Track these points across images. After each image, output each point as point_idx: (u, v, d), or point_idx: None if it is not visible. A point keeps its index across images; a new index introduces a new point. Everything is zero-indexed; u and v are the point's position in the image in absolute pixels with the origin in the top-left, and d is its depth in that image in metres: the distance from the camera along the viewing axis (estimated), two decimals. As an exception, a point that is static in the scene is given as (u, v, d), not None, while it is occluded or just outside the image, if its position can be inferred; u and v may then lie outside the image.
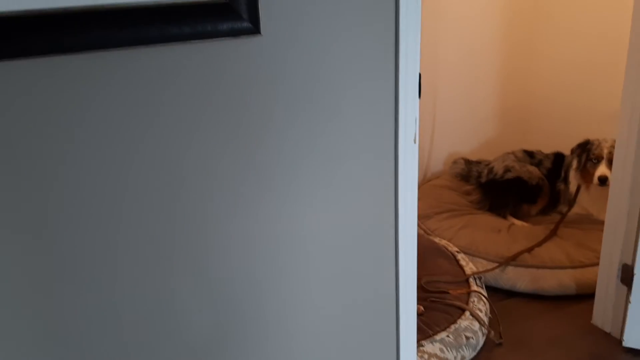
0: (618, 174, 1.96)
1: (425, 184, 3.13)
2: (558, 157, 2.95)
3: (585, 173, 2.70)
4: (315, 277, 1.25)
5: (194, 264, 1.09)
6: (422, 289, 2.17)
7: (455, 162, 3.19)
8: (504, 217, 2.81)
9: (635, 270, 1.91)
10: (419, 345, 1.85)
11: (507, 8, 3.11)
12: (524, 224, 2.76)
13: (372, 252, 1.32)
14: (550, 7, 3.06)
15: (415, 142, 1.32)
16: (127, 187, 0.98)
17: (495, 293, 2.36)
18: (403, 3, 1.14)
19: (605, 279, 2.08)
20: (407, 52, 1.18)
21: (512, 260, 2.41)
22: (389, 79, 1.21)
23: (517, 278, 2.37)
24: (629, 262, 1.96)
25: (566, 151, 2.87)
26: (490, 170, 2.99)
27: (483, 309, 2.12)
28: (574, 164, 2.78)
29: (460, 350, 1.91)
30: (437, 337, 1.91)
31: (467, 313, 2.05)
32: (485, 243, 2.53)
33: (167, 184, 1.02)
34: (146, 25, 0.93)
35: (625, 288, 1.99)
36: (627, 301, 1.97)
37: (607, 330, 2.11)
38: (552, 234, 2.60)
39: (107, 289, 1.02)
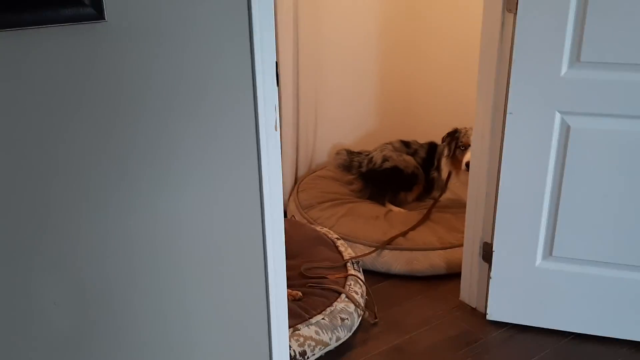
0: (476, 159, 2.11)
1: (309, 175, 3.19)
2: (432, 147, 3.11)
3: (455, 160, 2.87)
4: (184, 275, 1.26)
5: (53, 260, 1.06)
6: (301, 275, 2.23)
7: (338, 153, 3.28)
8: (383, 205, 2.93)
9: (495, 248, 2.06)
10: (295, 329, 1.90)
11: (386, 4, 3.23)
12: (401, 210, 2.89)
13: (240, 244, 1.34)
14: (425, 6, 3.22)
15: (276, 130, 1.35)
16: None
17: (373, 276, 2.46)
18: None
19: (469, 257, 2.23)
20: (262, 42, 1.21)
21: (387, 244, 2.52)
22: (246, 69, 1.24)
23: (392, 261, 2.48)
24: (489, 240, 2.12)
25: (439, 141, 3.04)
26: (370, 160, 3.10)
27: (359, 291, 2.20)
28: (445, 152, 2.94)
29: (335, 331, 1.98)
30: (313, 320, 1.96)
31: (343, 296, 2.12)
32: (364, 229, 2.63)
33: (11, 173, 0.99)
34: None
35: (486, 265, 2.15)
36: (489, 277, 2.12)
37: (474, 305, 2.26)
38: (425, 218, 2.74)
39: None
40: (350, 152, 3.24)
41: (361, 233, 2.61)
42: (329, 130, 3.30)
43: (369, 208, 2.85)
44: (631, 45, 1.71)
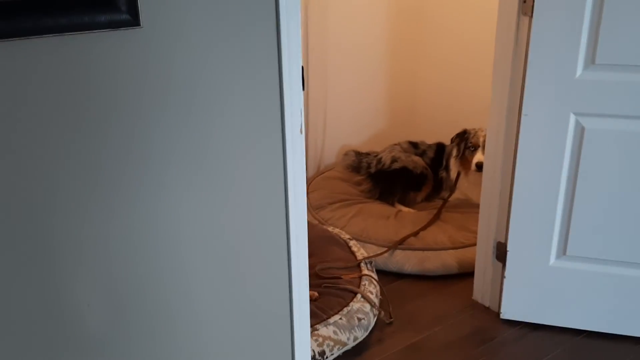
0: (490, 160, 2.13)
1: (318, 176, 3.21)
2: (440, 147, 3.13)
3: (464, 160, 2.89)
4: (207, 277, 1.27)
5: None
6: (316, 275, 2.24)
7: (346, 154, 3.30)
8: (392, 205, 2.95)
9: (508, 247, 2.09)
10: (314, 329, 1.92)
11: (393, 6, 3.25)
12: (411, 210, 2.92)
13: (266, 245, 1.36)
14: (433, 6, 3.24)
15: (301, 133, 1.37)
16: None
17: (385, 276, 2.48)
18: (283, 2, 1.18)
19: (483, 257, 2.25)
20: (289, 47, 1.23)
21: (399, 244, 2.54)
22: (273, 73, 1.25)
23: (404, 261, 2.50)
24: (503, 240, 2.14)
25: (448, 141, 3.06)
26: (379, 161, 3.12)
27: (374, 291, 2.22)
28: (454, 152, 2.97)
29: (353, 331, 2.00)
30: (331, 320, 1.98)
31: (359, 296, 2.14)
32: (375, 229, 2.65)
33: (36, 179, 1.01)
34: (18, 16, 0.92)
35: (500, 264, 2.17)
36: (502, 276, 2.14)
37: (487, 304, 2.29)
38: (436, 218, 2.76)
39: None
40: (358, 153, 3.27)
41: (372, 233, 2.63)
42: (338, 131, 3.33)
43: (378, 208, 2.87)
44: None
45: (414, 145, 3.19)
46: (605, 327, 2.10)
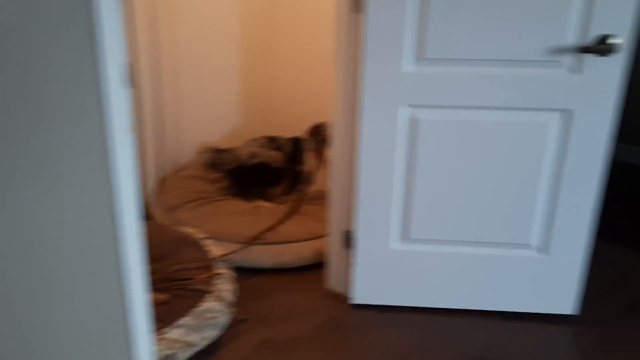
0: (336, 152, 2.19)
1: (174, 175, 3.14)
2: (297, 141, 3.17)
3: (319, 153, 2.95)
4: (33, 285, 1.20)
5: None
6: (167, 279, 2.19)
7: (203, 151, 3.25)
8: (251, 201, 2.95)
9: (355, 235, 2.16)
10: (161, 333, 1.87)
11: (244, 6, 3.24)
12: (270, 205, 2.93)
13: (91, 250, 1.31)
14: (279, 7, 3.28)
15: (130, 132, 1.33)
16: None
17: (243, 272, 2.47)
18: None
19: (334, 245, 2.31)
20: (106, 47, 1.18)
21: (255, 239, 2.55)
22: (89, 72, 1.20)
23: (260, 256, 2.51)
24: (349, 228, 2.21)
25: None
26: (237, 157, 3.10)
27: (227, 289, 2.21)
28: (310, 145, 3.02)
29: (203, 331, 1.98)
30: (180, 322, 1.95)
31: (210, 295, 2.12)
32: (232, 226, 2.64)
33: None
34: None
35: (347, 251, 2.24)
36: (351, 263, 2.22)
37: (340, 291, 2.35)
38: (293, 211, 2.80)
39: None
40: (216, 150, 3.22)
41: (229, 230, 2.61)
42: (194, 128, 3.27)
43: (236, 205, 2.86)
44: (467, 42, 1.86)
45: (272, 140, 3.20)
46: (448, 303, 2.24)
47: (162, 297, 2.08)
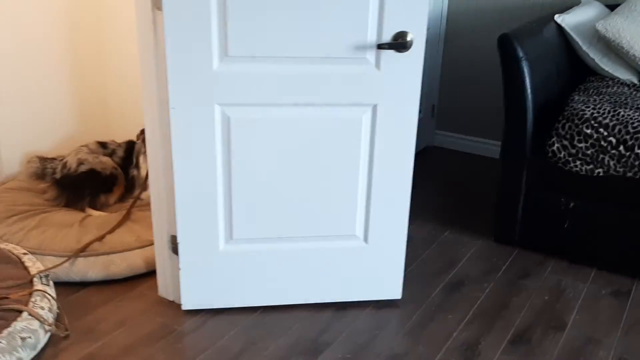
0: (152, 155, 2.13)
1: (-3, 188, 2.92)
2: (130, 145, 3.06)
3: (152, 157, 2.86)
4: None
5: None
6: (-25, 300, 2.02)
7: (29, 161, 3.04)
8: (83, 211, 2.81)
9: (179, 239, 2.11)
10: (-39, 361, 1.73)
11: (68, 14, 3.06)
12: (102, 213, 2.80)
13: None
14: (96, 16, 3.15)
15: None
16: None
17: (69, 287, 2.35)
18: None
19: (161, 252, 2.25)
20: None
21: (81, 252, 2.42)
22: None
23: (87, 268, 2.39)
24: (175, 233, 2.16)
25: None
26: (64, 166, 2.93)
27: (47, 306, 2.08)
28: (142, 149, 2.92)
29: (15, 352, 1.85)
30: (-15, 346, 1.81)
31: (25, 314, 1.98)
32: (56, 240, 2.48)
33: None
34: None
35: (176, 257, 2.19)
36: (178, 268, 2.17)
37: (171, 298, 2.30)
38: (125, 219, 2.69)
39: None
40: (43, 159, 3.03)
41: (53, 244, 2.46)
42: (19, 138, 3.05)
43: (64, 216, 2.70)
44: (272, 39, 1.87)
45: (103, 145, 3.07)
46: (280, 300, 2.26)
47: (-31, 321, 1.91)
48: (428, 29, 3.60)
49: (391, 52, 1.93)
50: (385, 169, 2.09)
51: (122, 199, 2.96)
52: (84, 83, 3.25)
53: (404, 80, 1.97)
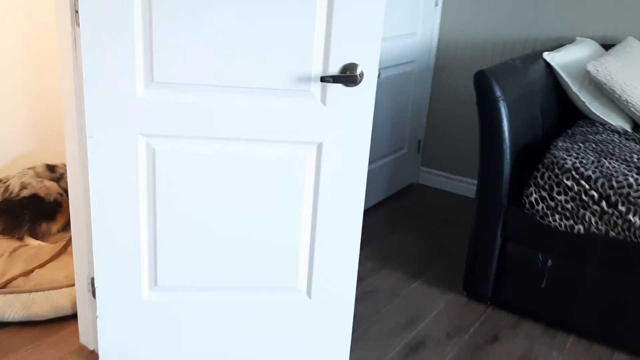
0: (72, 187, 1.91)
1: None
2: (81, 170, 2.84)
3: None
4: None
5: None
6: None
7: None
8: (22, 239, 2.59)
9: (96, 283, 1.87)
10: None
11: (26, 26, 2.88)
12: (41, 243, 2.58)
13: None
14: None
15: None
16: None
17: (-17, 327, 2.12)
18: None
19: (82, 295, 2.02)
20: None
21: (2, 287, 2.19)
22: None
23: (6, 307, 2.15)
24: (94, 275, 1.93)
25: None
26: (6, 189, 2.72)
27: (-57, 352, 1.85)
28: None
29: None
30: None
31: None
32: (-22, 272, 2.26)
33: None
34: None
35: (95, 301, 1.95)
36: (96, 315, 1.93)
37: (92, 348, 2.06)
38: (61, 252, 2.47)
39: None
40: (-18, 182, 2.83)
41: (-28, 277, 2.24)
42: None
43: (-3, 245, 2.48)
44: (204, 65, 1.65)
45: (51, 168, 2.86)
46: (210, 358, 2.01)
47: None
48: (414, 61, 3.39)
49: (338, 85, 1.70)
50: (331, 214, 1.85)
51: (66, 228, 2.74)
52: (40, 97, 3.05)
53: (353, 117, 1.74)
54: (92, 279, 1.95)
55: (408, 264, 2.77)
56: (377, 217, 3.23)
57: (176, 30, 1.62)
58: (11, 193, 2.70)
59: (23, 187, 2.70)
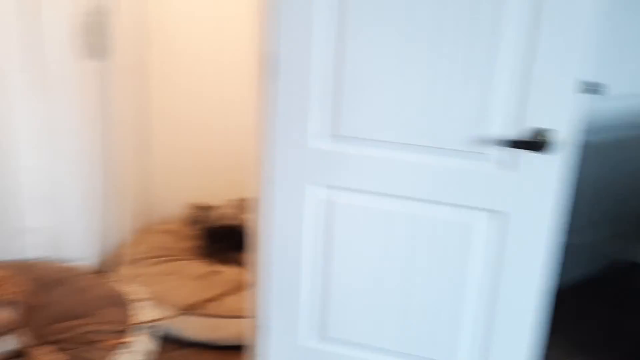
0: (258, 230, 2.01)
1: (153, 227, 3.06)
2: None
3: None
4: None
5: None
6: (73, 339, 2.07)
7: (187, 207, 3.15)
8: (223, 263, 2.80)
9: (264, 323, 1.94)
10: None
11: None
12: (231, 271, 2.76)
13: None
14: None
15: None
16: None
17: (170, 343, 2.31)
18: None
19: (251, 330, 2.10)
20: None
21: (192, 308, 2.38)
22: None
23: (193, 327, 2.34)
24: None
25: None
26: (220, 217, 2.98)
27: (140, 358, 2.06)
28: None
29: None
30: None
31: (108, 364, 1.98)
32: (178, 291, 2.50)
33: None
34: None
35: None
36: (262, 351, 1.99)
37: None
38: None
39: None
40: (199, 207, 3.13)
41: (173, 294, 2.47)
42: (180, 183, 3.20)
43: (196, 267, 2.71)
44: (390, 123, 1.65)
45: (244, 202, 3.06)
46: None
47: (60, 357, 1.97)
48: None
49: (526, 151, 1.56)
50: (509, 291, 1.68)
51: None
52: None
53: (538, 186, 1.58)
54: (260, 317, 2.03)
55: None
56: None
57: (364, 86, 1.64)
58: (220, 220, 2.95)
59: (230, 216, 2.94)
